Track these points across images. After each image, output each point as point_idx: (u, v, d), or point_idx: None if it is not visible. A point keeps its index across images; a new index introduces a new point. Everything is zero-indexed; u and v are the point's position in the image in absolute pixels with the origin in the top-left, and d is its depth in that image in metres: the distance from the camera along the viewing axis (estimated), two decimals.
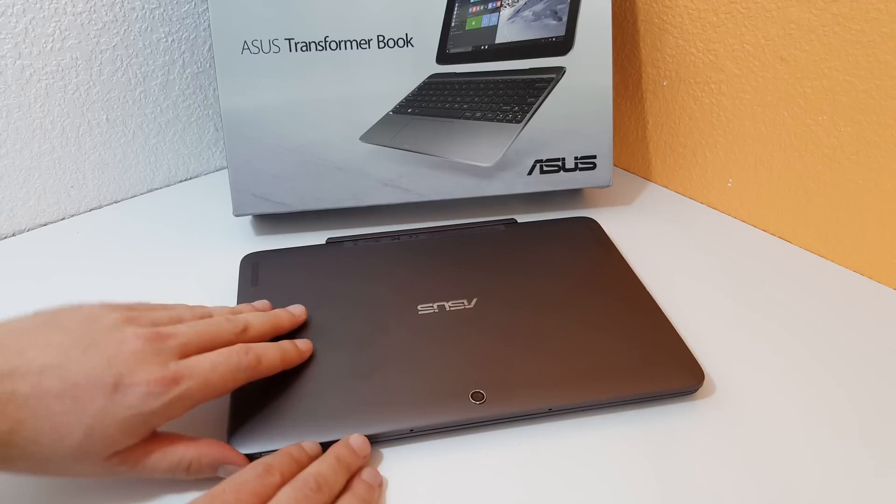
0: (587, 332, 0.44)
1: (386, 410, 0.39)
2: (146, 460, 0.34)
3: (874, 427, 0.39)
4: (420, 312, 0.46)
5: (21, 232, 0.60)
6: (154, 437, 0.34)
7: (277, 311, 0.44)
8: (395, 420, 0.39)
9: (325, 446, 0.37)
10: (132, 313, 0.36)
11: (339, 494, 0.35)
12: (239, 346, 0.37)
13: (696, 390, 0.41)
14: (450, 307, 0.47)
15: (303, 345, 0.42)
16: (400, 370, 0.42)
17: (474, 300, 0.47)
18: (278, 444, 0.37)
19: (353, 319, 0.46)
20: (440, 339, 0.44)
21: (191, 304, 0.41)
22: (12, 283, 0.54)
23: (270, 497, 0.32)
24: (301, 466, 0.35)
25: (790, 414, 0.40)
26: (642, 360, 0.42)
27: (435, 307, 0.46)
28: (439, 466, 0.37)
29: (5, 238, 0.60)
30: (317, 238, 0.55)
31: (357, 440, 0.37)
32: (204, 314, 0.40)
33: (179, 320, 0.37)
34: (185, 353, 0.35)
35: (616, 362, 0.42)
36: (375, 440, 0.38)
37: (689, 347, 0.43)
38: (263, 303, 0.45)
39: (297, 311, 0.45)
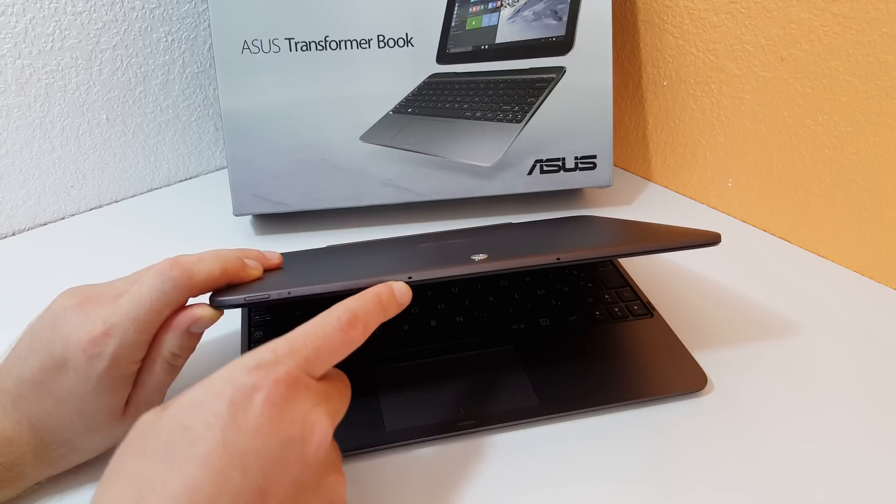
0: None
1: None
2: (148, 388, 0.33)
3: (874, 426, 0.39)
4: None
5: (21, 232, 0.60)
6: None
7: (225, 251, 0.37)
8: None
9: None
10: (82, 288, 0.34)
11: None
12: (162, 262, 0.33)
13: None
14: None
15: (252, 254, 0.37)
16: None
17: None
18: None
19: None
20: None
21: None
22: (12, 282, 0.54)
23: None
24: None
25: (790, 413, 0.40)
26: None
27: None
28: (448, 465, 0.37)
29: (5, 238, 0.60)
30: (317, 238, 0.55)
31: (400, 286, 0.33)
32: None
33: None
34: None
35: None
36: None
37: (690, 351, 0.43)
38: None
39: (270, 257, 0.40)
